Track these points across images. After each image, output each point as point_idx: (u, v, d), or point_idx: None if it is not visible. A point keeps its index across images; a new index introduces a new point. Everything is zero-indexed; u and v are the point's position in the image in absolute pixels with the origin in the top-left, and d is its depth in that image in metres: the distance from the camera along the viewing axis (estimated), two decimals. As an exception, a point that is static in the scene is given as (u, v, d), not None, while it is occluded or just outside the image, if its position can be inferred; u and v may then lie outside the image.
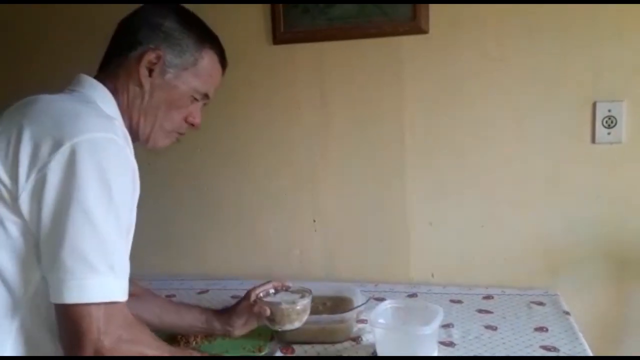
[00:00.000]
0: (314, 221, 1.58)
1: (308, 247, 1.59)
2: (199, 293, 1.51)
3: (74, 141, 0.73)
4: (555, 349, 1.09)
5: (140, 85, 0.89)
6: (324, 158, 1.55)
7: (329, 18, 1.47)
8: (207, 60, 0.94)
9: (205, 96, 0.97)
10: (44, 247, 0.74)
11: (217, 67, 0.97)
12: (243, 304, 1.11)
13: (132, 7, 0.96)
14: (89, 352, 0.71)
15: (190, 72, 0.92)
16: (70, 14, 1.62)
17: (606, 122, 1.36)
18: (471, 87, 1.43)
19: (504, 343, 1.13)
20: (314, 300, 1.25)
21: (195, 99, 0.95)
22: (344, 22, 1.46)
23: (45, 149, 0.73)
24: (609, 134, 1.36)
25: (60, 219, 0.72)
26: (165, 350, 0.82)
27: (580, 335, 1.15)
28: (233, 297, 1.46)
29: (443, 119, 1.46)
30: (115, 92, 0.89)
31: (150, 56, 0.88)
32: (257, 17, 1.52)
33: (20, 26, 1.68)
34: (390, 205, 1.51)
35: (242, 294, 1.45)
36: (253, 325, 1.12)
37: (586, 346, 1.10)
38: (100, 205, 0.73)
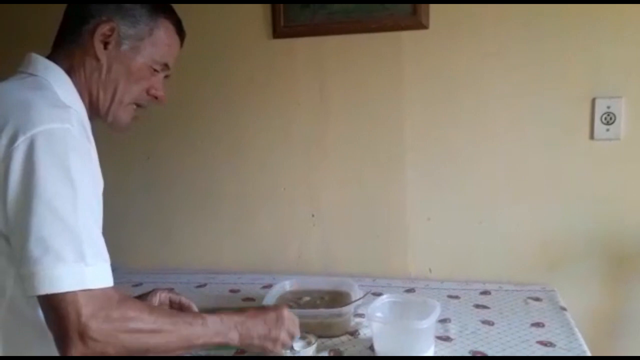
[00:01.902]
0: (313, 216, 1.58)
1: (306, 241, 1.59)
2: (197, 287, 1.51)
3: (28, 134, 0.72)
4: (551, 344, 1.09)
5: (97, 59, 0.88)
6: (322, 152, 1.55)
7: (329, 12, 1.46)
8: (163, 30, 0.93)
9: (165, 67, 0.96)
10: (13, 243, 0.73)
11: (174, 36, 0.95)
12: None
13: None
14: (74, 337, 0.70)
15: (147, 43, 0.91)
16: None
17: (605, 118, 1.36)
18: (471, 82, 1.43)
19: (500, 338, 1.13)
20: (312, 294, 1.26)
21: (155, 70, 0.94)
22: (344, 17, 1.46)
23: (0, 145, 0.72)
24: (607, 130, 1.36)
25: (24, 214, 0.71)
26: (162, 322, 0.79)
27: (577, 330, 1.15)
28: (231, 290, 1.47)
29: (442, 114, 1.46)
30: (71, 70, 0.88)
31: (104, 28, 0.87)
32: (257, 11, 1.52)
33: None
34: (389, 201, 1.52)
35: (240, 287, 1.48)
36: None
37: (582, 341, 1.10)
38: (63, 195, 0.72)
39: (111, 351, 0.73)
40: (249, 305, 1.34)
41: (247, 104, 1.57)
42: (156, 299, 1.04)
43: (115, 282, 0.75)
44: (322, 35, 1.49)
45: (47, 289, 0.70)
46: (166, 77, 0.98)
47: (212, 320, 0.86)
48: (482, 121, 1.44)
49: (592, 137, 1.38)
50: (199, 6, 1.53)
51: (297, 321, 0.98)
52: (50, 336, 0.75)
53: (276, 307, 0.97)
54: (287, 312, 0.96)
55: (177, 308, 1.06)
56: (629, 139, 1.36)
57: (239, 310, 0.94)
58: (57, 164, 0.72)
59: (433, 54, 1.44)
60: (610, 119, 1.36)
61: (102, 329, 0.71)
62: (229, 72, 1.57)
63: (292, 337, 0.96)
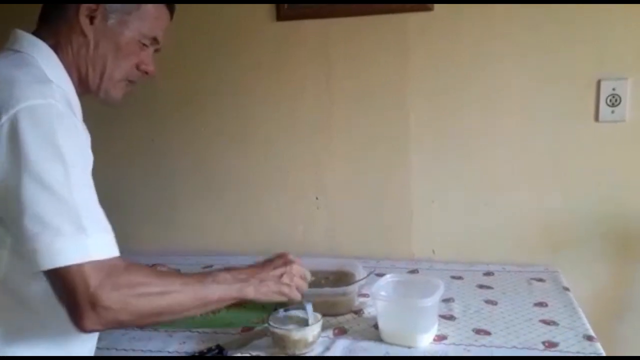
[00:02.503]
0: (317, 198, 1.59)
1: (311, 224, 1.60)
2: (204, 268, 1.53)
3: (11, 112, 0.71)
4: (554, 323, 1.10)
5: (84, 35, 0.86)
6: (327, 135, 1.55)
7: (334, -6, 1.46)
8: (151, 2, 0.90)
9: (155, 41, 0.93)
10: (9, 224, 0.73)
11: (163, 9, 0.93)
12: None
13: None
14: (86, 307, 0.70)
15: (135, 17, 0.88)
16: None
17: (610, 100, 1.36)
18: (476, 65, 1.42)
19: (503, 317, 1.14)
20: (316, 274, 1.27)
21: (144, 45, 0.92)
22: (349, -2, 1.45)
23: None
24: (612, 112, 1.36)
25: (16, 192, 0.70)
26: (172, 282, 0.79)
27: (580, 310, 1.16)
28: (237, 272, 1.48)
29: (447, 97, 1.45)
30: (57, 47, 0.86)
31: (88, 4, 0.85)
32: (261, -7, 1.51)
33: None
34: (393, 183, 1.52)
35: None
36: None
37: (585, 320, 1.11)
38: (54, 170, 0.71)
39: (125, 318, 0.73)
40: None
41: (252, 88, 1.57)
42: None
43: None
44: (326, 18, 1.48)
45: (50, 263, 0.70)
46: (156, 51, 0.96)
47: (223, 276, 0.87)
48: (487, 104, 1.43)
49: (597, 119, 1.38)
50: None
51: (302, 266, 1.00)
52: (44, 314, 0.76)
53: (281, 254, 0.99)
54: (291, 256, 0.98)
55: None
56: (634, 121, 1.36)
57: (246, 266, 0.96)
58: (43, 139, 0.72)
59: (439, 37, 1.43)
60: (616, 100, 1.35)
61: (112, 297, 0.71)
62: (233, 56, 1.57)
63: (304, 279, 0.99)
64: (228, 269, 0.91)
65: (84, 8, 0.85)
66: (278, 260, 0.98)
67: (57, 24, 0.87)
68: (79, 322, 0.71)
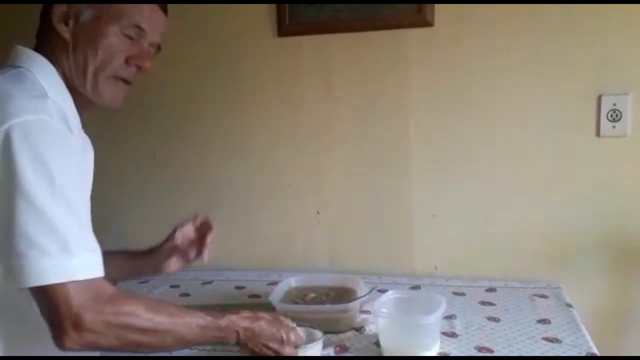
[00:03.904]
0: (318, 213, 1.58)
1: (312, 239, 1.60)
2: (204, 284, 1.52)
3: (4, 127, 0.71)
4: (557, 341, 1.09)
5: (63, 40, 0.86)
6: (328, 150, 1.55)
7: (335, 10, 1.47)
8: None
9: (140, 30, 0.89)
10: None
11: None
12: (168, 244, 1.12)
13: None
14: (68, 327, 0.70)
15: (108, 8, 0.87)
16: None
17: (611, 115, 1.36)
18: (476, 79, 1.43)
19: (506, 334, 1.13)
20: (317, 290, 1.27)
21: (130, 38, 0.89)
22: (350, 14, 1.46)
23: None
24: (613, 127, 1.36)
25: (6, 208, 0.71)
26: (159, 321, 0.78)
27: (583, 327, 1.15)
28: (237, 287, 1.47)
29: (448, 111, 1.46)
30: (53, 58, 0.87)
31: (61, 7, 0.86)
32: (262, 9, 1.52)
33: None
34: (394, 198, 1.52)
35: (246, 284, 1.49)
36: (182, 264, 1.14)
37: (588, 338, 1.10)
38: (42, 188, 0.71)
39: (104, 343, 0.73)
40: (254, 302, 1.35)
41: (253, 103, 1.58)
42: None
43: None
44: (327, 33, 1.49)
45: (34, 281, 0.70)
46: (158, 51, 0.95)
47: (214, 327, 0.85)
48: (488, 118, 1.44)
49: (598, 134, 1.38)
50: (204, 6, 1.54)
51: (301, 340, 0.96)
52: (44, 328, 0.74)
53: (288, 328, 0.94)
54: (295, 333, 0.95)
55: (205, 229, 1.14)
56: (635, 136, 1.36)
57: (251, 311, 0.92)
58: (34, 157, 0.72)
59: (439, 52, 1.44)
60: (617, 116, 1.36)
61: (95, 321, 0.72)
62: (234, 71, 1.58)
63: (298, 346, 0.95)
64: (227, 314, 0.88)
65: (57, 14, 0.86)
66: (281, 329, 0.93)
67: (47, 36, 0.88)
68: (59, 340, 0.71)
